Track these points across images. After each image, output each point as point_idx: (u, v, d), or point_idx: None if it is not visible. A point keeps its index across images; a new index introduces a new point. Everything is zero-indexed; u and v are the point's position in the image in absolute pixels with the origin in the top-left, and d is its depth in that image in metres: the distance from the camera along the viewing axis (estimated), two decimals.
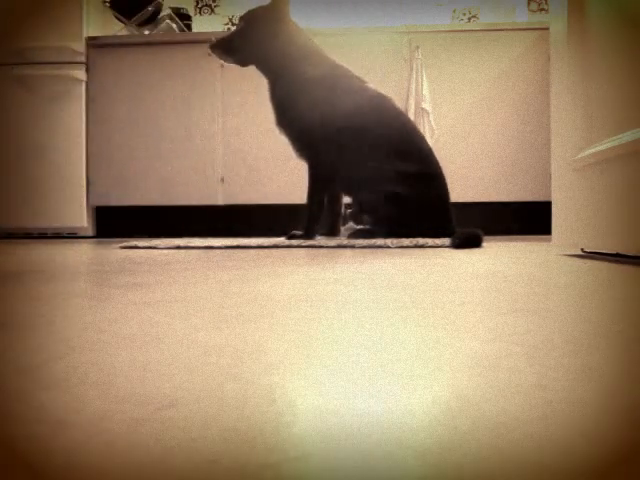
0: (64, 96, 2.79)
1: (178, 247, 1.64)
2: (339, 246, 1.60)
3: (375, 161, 1.79)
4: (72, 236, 2.86)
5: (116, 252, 1.45)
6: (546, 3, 3.22)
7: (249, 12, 1.85)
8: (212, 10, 3.35)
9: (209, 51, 1.88)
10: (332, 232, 2.00)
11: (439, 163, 1.87)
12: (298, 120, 1.82)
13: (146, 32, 2.97)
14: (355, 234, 1.85)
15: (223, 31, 2.83)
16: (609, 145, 1.00)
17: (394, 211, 1.79)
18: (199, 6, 3.36)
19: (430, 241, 1.61)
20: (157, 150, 2.82)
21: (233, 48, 1.85)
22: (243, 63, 1.88)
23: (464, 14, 3.26)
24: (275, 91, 1.86)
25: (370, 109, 1.83)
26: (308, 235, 1.85)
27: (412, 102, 2.69)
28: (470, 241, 1.57)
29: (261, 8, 1.85)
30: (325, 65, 1.86)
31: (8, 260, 1.17)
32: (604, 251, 1.07)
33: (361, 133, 1.81)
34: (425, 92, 2.68)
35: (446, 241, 1.61)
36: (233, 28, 3.33)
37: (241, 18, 1.86)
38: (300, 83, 1.82)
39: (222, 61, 1.91)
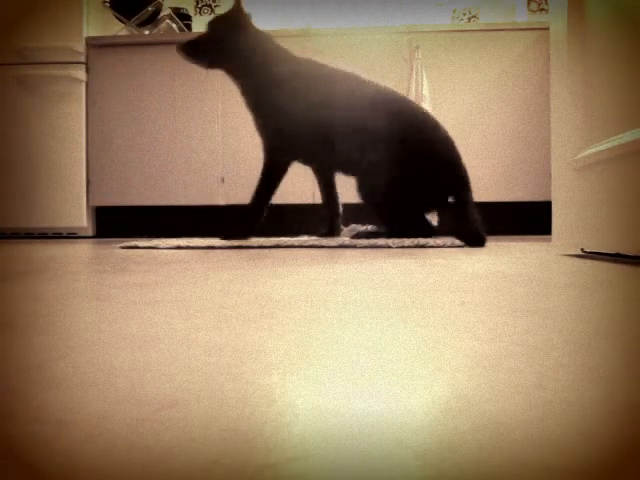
0: (64, 96, 2.79)
1: (179, 247, 1.64)
2: (340, 246, 1.60)
3: (372, 149, 1.80)
4: (72, 236, 2.86)
5: (116, 252, 1.45)
6: (546, 3, 3.22)
7: (214, 18, 1.89)
8: (212, 10, 3.35)
9: (180, 55, 1.90)
10: (332, 233, 2.01)
11: (444, 132, 1.84)
12: (271, 118, 1.85)
13: (146, 32, 2.97)
14: (358, 235, 1.85)
15: None
16: (609, 145, 1.00)
17: (393, 194, 1.79)
18: (199, 6, 3.36)
19: (431, 241, 1.61)
20: (157, 150, 2.82)
21: (199, 51, 1.88)
22: (209, 66, 1.91)
23: (464, 14, 3.26)
24: (248, 96, 1.89)
25: (345, 94, 1.83)
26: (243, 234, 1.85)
27: None
28: (475, 240, 1.61)
29: (224, 14, 1.89)
30: (291, 62, 1.88)
31: (9, 260, 1.17)
32: (604, 251, 1.07)
33: (333, 120, 1.82)
34: (425, 92, 2.68)
35: (447, 241, 1.61)
36: None
37: (208, 23, 1.89)
38: (269, 83, 1.85)
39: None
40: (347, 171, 1.90)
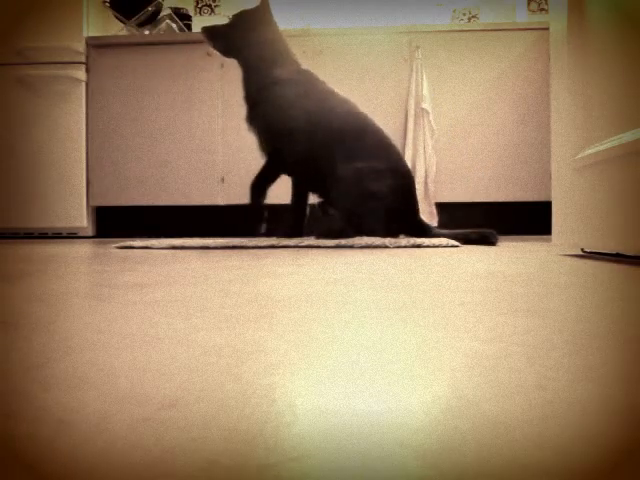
0: (64, 96, 2.78)
1: (173, 247, 1.64)
2: (337, 246, 1.60)
3: (347, 160, 1.86)
4: (72, 236, 2.86)
5: (116, 252, 1.45)
6: (546, 3, 3.22)
7: (241, 12, 2.03)
8: (212, 10, 3.35)
9: (202, 36, 2.05)
10: (296, 232, 2.03)
11: (405, 161, 1.95)
12: (265, 118, 1.94)
13: (146, 32, 2.97)
14: (324, 234, 1.86)
15: None
16: (609, 145, 1.00)
17: (366, 208, 1.84)
18: (199, 6, 3.36)
19: (427, 241, 1.61)
20: (157, 150, 2.82)
21: (220, 37, 2.03)
22: (225, 53, 2.05)
23: (464, 14, 3.26)
24: (248, 87, 2.00)
25: (339, 110, 1.93)
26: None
27: (412, 102, 2.69)
28: (483, 240, 1.75)
29: (250, 9, 2.02)
30: (293, 69, 1.99)
31: (9, 260, 1.17)
32: (604, 251, 1.07)
33: (331, 133, 1.89)
34: (425, 92, 2.68)
35: (443, 241, 1.61)
36: None
37: (233, 15, 2.03)
38: (270, 83, 1.95)
39: (210, 48, 2.08)
40: (321, 187, 1.98)
